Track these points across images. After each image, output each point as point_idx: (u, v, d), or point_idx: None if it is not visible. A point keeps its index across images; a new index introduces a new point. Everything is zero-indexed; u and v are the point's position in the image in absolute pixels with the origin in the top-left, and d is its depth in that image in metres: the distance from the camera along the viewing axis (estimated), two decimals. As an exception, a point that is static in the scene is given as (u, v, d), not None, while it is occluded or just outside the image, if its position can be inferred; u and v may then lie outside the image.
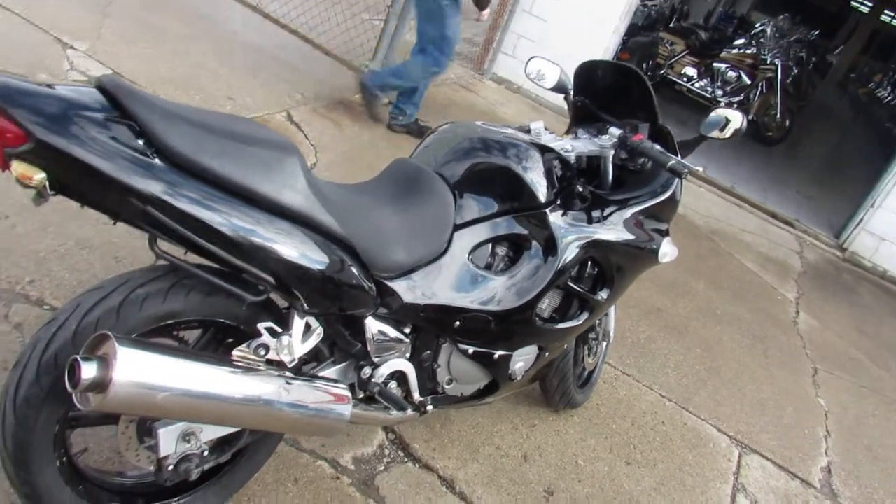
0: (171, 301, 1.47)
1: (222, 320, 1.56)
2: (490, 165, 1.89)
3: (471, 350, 1.96)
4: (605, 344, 2.77)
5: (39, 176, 1.22)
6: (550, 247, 1.96)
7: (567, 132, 2.44)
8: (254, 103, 4.23)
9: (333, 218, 1.52)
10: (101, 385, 1.23)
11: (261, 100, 4.31)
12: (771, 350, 3.96)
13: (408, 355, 1.88)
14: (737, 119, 2.08)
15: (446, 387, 2.01)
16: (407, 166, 1.90)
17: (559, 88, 2.43)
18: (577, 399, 2.66)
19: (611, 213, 2.14)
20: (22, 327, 2.11)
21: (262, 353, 1.54)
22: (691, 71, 9.13)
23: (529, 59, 2.51)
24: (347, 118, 4.63)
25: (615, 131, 2.18)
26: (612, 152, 2.20)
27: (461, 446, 2.36)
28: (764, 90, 8.85)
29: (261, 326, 1.54)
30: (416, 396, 1.92)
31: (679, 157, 2.04)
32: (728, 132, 2.10)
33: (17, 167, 1.21)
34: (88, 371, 1.22)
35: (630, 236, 2.16)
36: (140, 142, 1.28)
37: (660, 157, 2.03)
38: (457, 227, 1.85)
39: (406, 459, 2.23)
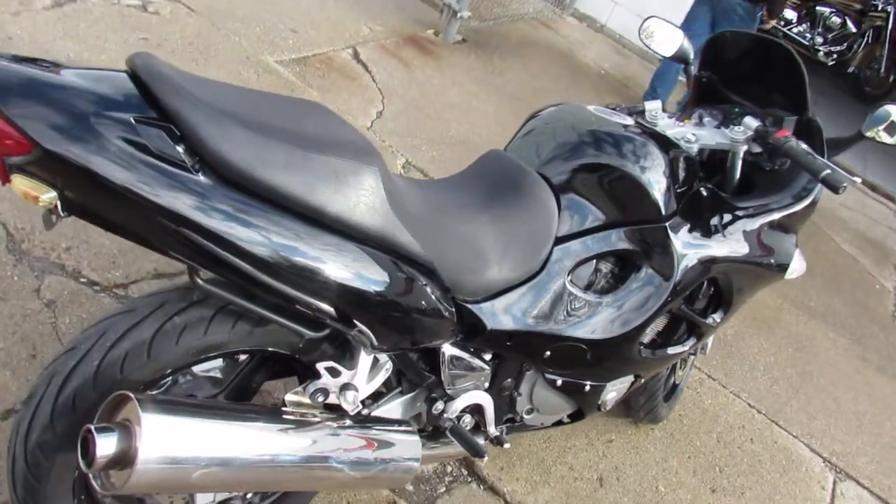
0: (213, 333, 1.20)
1: (273, 350, 1.29)
2: (604, 168, 1.54)
3: (559, 381, 1.67)
4: (698, 354, 2.44)
5: (47, 196, 0.94)
6: (665, 265, 1.62)
7: (684, 111, 2.04)
8: (318, 37, 3.86)
9: (415, 238, 1.22)
10: (123, 461, 0.99)
11: (325, 34, 3.94)
12: (868, 352, 3.57)
13: (486, 385, 1.59)
14: None
15: (525, 416, 1.73)
16: (504, 162, 1.56)
17: (679, 57, 2.02)
18: (661, 414, 2.37)
19: (737, 223, 1.78)
20: (55, 305, 1.89)
21: (321, 398, 1.27)
22: (790, 13, 8.29)
23: (647, 19, 2.10)
24: (419, 58, 4.22)
25: (751, 122, 1.78)
26: (745, 147, 1.81)
27: (531, 465, 2.10)
28: (870, 41, 8.00)
29: (320, 367, 1.27)
30: (491, 430, 1.65)
31: (830, 163, 1.65)
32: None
33: (20, 183, 0.93)
34: (106, 446, 0.97)
35: (757, 252, 1.80)
36: (180, 149, 0.98)
37: (811, 163, 1.64)
38: (558, 241, 1.52)
39: (470, 479, 1.99)
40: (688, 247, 1.65)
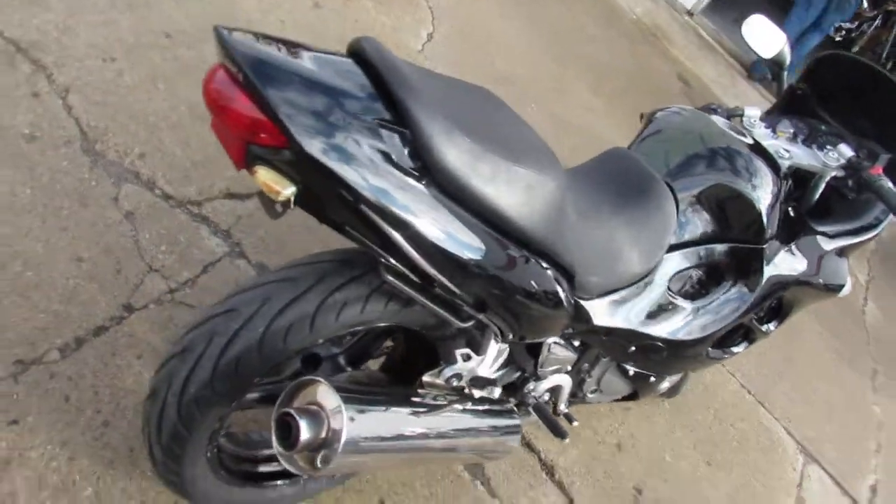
0: (369, 311, 1.23)
1: (415, 329, 1.34)
2: (726, 188, 1.59)
3: (631, 371, 1.78)
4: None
5: (289, 190, 0.94)
6: (753, 282, 1.72)
7: (769, 115, 2.07)
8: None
9: (566, 244, 1.26)
10: (321, 445, 1.04)
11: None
12: (842, 344, 3.84)
13: (569, 368, 1.69)
14: None
15: (589, 395, 1.84)
16: (632, 164, 1.58)
17: (777, 62, 2.03)
18: (679, 391, 2.54)
19: (813, 246, 1.87)
20: (134, 218, 1.86)
21: (455, 381, 1.33)
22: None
23: (752, 16, 2.09)
24: (466, -21, 4.06)
25: (846, 150, 1.84)
26: (833, 173, 1.87)
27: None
28: (879, 24, 8.04)
29: (458, 353, 1.33)
30: (562, 407, 1.76)
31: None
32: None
33: (265, 175, 0.92)
34: (310, 430, 1.02)
35: (826, 274, 1.91)
36: (408, 156, 0.98)
37: (892, 202, 1.72)
38: (669, 248, 1.59)
39: (509, 435, 2.12)
40: (773, 266, 1.74)
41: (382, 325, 1.29)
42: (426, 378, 1.32)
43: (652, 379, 1.84)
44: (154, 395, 1.21)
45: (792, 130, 1.95)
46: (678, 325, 1.66)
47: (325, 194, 0.97)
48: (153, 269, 1.81)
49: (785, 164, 1.80)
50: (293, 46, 0.94)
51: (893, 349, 4.20)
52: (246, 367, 1.16)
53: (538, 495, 2.01)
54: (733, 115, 1.90)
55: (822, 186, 1.90)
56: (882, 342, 4.18)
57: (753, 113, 1.89)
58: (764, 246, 1.67)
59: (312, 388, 1.07)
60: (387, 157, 0.95)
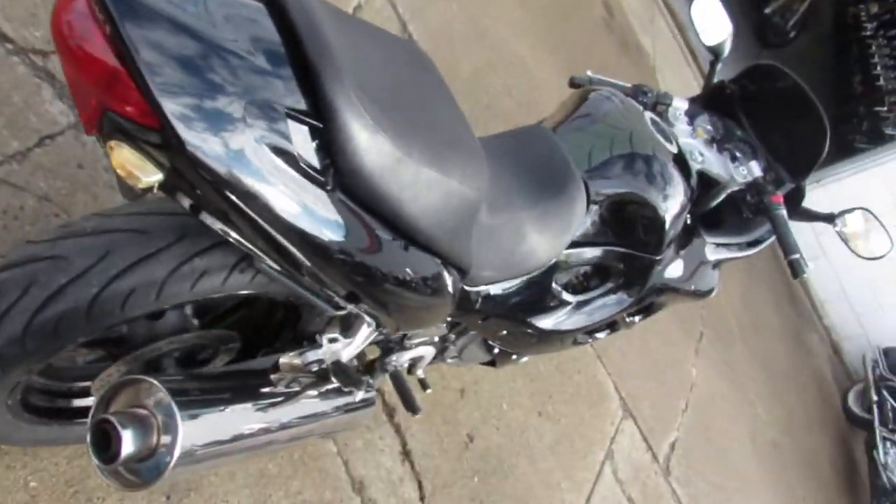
0: (232, 281, 1.06)
1: (280, 299, 1.18)
2: (642, 201, 1.51)
3: (496, 349, 1.74)
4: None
5: (154, 178, 0.73)
6: (636, 287, 1.70)
7: (693, 103, 2.00)
8: None
9: (469, 243, 1.15)
10: (147, 456, 0.88)
11: None
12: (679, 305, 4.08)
13: (435, 339, 1.61)
14: (883, 245, 1.82)
15: (448, 360, 1.79)
16: (554, 153, 1.46)
17: (716, 51, 1.94)
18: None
19: (699, 257, 1.87)
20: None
21: (316, 367, 1.20)
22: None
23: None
24: None
25: (755, 169, 1.82)
26: (735, 188, 1.86)
27: (411, 368, 2.20)
28: (796, -9, 8.19)
29: (324, 338, 1.19)
30: (420, 373, 1.70)
31: (799, 247, 1.77)
32: (867, 248, 1.85)
33: (124, 156, 0.70)
34: (134, 441, 0.86)
35: (699, 281, 1.93)
36: (314, 153, 0.80)
37: (788, 241, 1.73)
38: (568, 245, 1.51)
39: (357, 371, 2.05)
40: (658, 274, 1.72)
41: (243, 293, 1.13)
42: (284, 360, 1.18)
43: (514, 356, 1.81)
44: None
45: (711, 130, 1.90)
46: (556, 318, 1.62)
47: (197, 188, 0.76)
48: (-28, 132, 1.48)
49: (696, 167, 1.75)
50: None
51: (720, 315, 4.56)
52: (67, 329, 0.97)
53: (374, 437, 1.99)
54: (661, 102, 1.81)
55: (723, 197, 1.89)
56: (712, 307, 4.51)
57: (680, 105, 1.83)
58: (658, 258, 1.64)
59: (136, 387, 0.91)
60: (288, 157, 0.76)
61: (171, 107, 0.66)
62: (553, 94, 3.82)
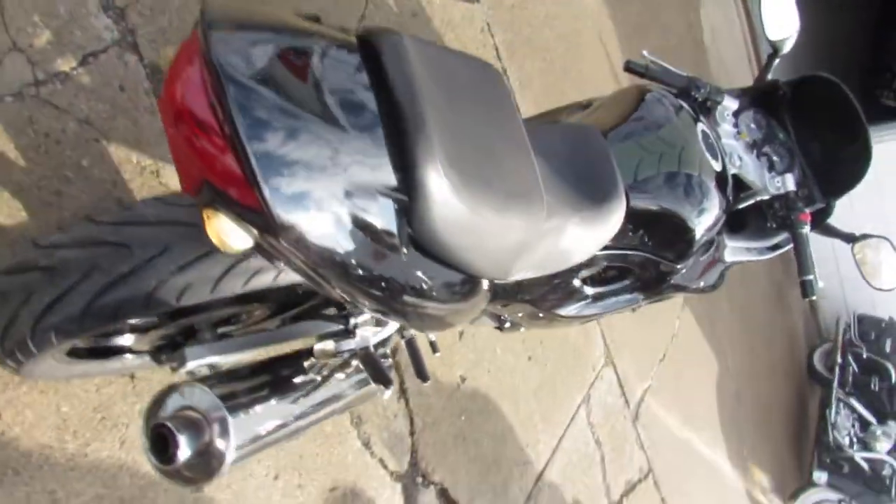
0: (281, 278, 1.09)
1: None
2: (678, 219, 1.53)
3: (508, 323, 1.80)
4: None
5: (244, 245, 0.74)
6: (651, 289, 1.75)
7: (742, 95, 1.96)
8: None
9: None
10: (207, 454, 0.95)
11: None
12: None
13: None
14: (892, 280, 1.86)
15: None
16: (603, 162, 1.44)
17: (777, 45, 1.90)
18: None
19: (718, 260, 1.91)
20: None
21: (347, 355, 1.25)
22: None
23: None
24: None
25: (790, 183, 1.82)
26: (767, 198, 1.87)
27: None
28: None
29: (361, 331, 1.24)
30: (431, 336, 1.76)
31: (815, 269, 1.81)
32: (877, 278, 1.89)
33: (218, 223, 0.71)
34: (190, 442, 0.92)
35: (708, 278, 1.98)
36: (396, 226, 0.81)
37: (804, 261, 1.77)
38: None
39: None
40: (676, 278, 1.76)
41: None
42: (318, 347, 1.23)
43: (522, 328, 1.88)
44: (4, 300, 1.01)
45: (754, 129, 1.88)
46: (573, 308, 1.68)
47: (286, 258, 0.78)
48: (17, 47, 1.43)
49: (732, 170, 1.76)
50: (292, 38, 0.69)
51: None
52: (124, 314, 1.01)
53: (376, 376, 2.09)
54: (712, 100, 1.78)
55: (751, 203, 1.91)
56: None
57: (729, 105, 1.80)
58: (679, 265, 1.67)
59: (185, 391, 0.95)
60: (372, 231, 0.77)
61: (274, 193, 0.66)
62: (593, 25, 3.68)
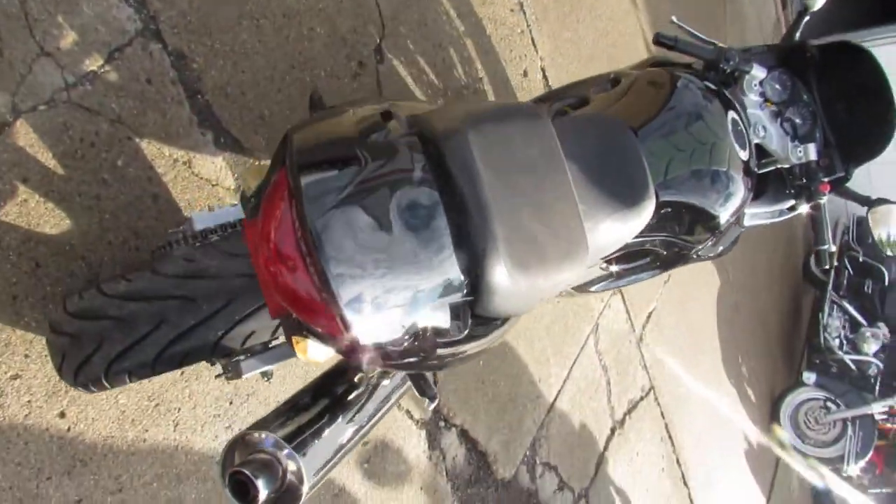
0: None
1: None
2: (704, 212, 1.56)
3: None
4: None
5: (326, 357, 0.80)
6: (668, 264, 1.81)
7: (769, 52, 1.94)
8: None
9: None
10: (283, 489, 1.04)
11: None
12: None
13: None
14: None
15: None
16: (633, 160, 1.46)
17: (807, 2, 1.87)
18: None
19: (736, 227, 1.96)
20: None
21: None
22: None
23: None
24: None
25: (811, 153, 1.84)
26: (786, 166, 1.89)
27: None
28: None
29: None
30: None
31: (832, 242, 1.87)
32: (888, 239, 1.94)
33: (306, 345, 0.77)
34: (267, 484, 1.01)
35: (726, 244, 2.04)
36: (462, 320, 0.87)
37: (821, 231, 1.84)
38: None
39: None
40: (695, 253, 1.82)
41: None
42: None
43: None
44: (76, 342, 1.08)
45: (779, 92, 1.87)
46: (598, 285, 1.76)
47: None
48: (45, 51, 1.40)
49: (756, 140, 1.78)
50: (370, 162, 0.72)
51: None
52: (193, 359, 1.08)
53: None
54: (741, 70, 1.77)
55: (770, 169, 1.93)
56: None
57: (758, 75, 1.80)
58: (701, 246, 1.73)
59: (253, 438, 1.03)
60: (441, 332, 0.83)
61: (359, 326, 0.71)
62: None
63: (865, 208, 2.08)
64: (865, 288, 5.80)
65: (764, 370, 5.41)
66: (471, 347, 1.06)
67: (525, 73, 2.82)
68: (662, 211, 1.57)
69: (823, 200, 1.81)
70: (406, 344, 0.82)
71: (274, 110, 1.82)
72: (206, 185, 1.66)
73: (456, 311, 0.85)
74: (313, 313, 0.73)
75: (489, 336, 1.10)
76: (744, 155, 1.62)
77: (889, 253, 5.35)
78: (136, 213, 1.52)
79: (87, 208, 1.45)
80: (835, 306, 5.66)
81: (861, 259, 6.04)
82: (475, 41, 2.57)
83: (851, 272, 5.97)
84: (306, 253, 0.69)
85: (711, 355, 4.49)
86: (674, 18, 1.85)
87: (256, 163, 0.76)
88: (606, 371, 3.32)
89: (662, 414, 3.82)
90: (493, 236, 0.81)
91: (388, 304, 0.75)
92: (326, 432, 1.16)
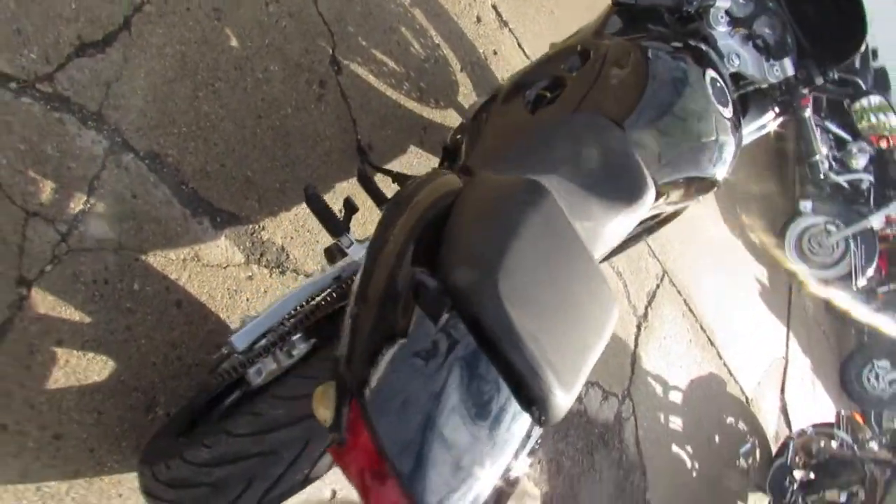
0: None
1: None
2: (700, 178, 1.59)
3: None
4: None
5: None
6: (668, 220, 1.87)
7: None
8: None
9: None
10: None
11: None
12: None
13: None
14: None
15: None
16: (626, 158, 1.47)
17: None
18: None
19: None
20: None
21: None
22: None
23: None
24: None
25: (788, 67, 1.86)
26: (765, 86, 1.90)
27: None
28: None
29: None
30: None
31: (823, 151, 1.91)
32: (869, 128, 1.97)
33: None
34: None
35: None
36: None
37: (809, 143, 1.89)
38: None
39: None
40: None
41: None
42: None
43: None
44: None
45: (745, 6, 1.84)
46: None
47: None
48: (31, 212, 1.39)
49: (731, 69, 1.79)
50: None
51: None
52: (286, 497, 1.15)
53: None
54: (704, 6, 1.75)
55: (751, 90, 1.94)
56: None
57: (722, 4, 1.77)
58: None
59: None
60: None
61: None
62: None
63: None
64: (844, 104, 5.83)
65: (764, 211, 5.54)
66: None
67: (479, 19, 2.73)
68: (663, 190, 1.60)
69: (807, 114, 1.83)
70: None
71: (255, 168, 1.80)
72: (219, 270, 1.68)
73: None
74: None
75: None
76: (728, 112, 1.62)
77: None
78: (166, 327, 1.55)
79: (122, 342, 1.49)
80: (818, 129, 5.72)
81: (837, 76, 6.02)
82: (422, 9, 2.48)
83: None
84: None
85: (716, 220, 4.60)
86: None
87: (319, 389, 0.80)
88: (621, 276, 3.43)
89: (679, 291, 3.97)
90: (548, 386, 0.86)
91: (479, 493, 0.83)
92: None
